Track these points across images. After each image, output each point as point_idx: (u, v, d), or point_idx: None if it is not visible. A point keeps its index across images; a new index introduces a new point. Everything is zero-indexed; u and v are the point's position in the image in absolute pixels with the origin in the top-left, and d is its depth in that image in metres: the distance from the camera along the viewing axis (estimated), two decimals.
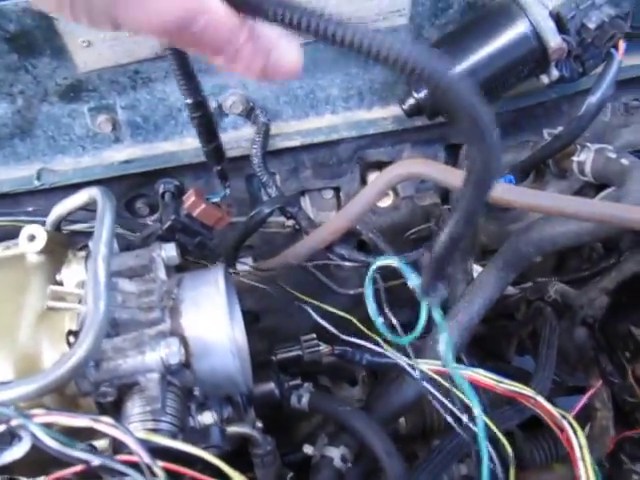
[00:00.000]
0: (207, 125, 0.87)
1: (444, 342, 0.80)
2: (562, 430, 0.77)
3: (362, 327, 0.98)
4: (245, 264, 1.02)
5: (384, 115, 1.02)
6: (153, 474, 0.52)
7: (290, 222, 1.07)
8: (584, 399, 1.00)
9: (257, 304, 1.14)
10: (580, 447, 0.74)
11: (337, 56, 0.96)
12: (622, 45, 0.90)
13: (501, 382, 0.88)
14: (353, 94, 1.01)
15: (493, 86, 0.90)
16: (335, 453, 0.91)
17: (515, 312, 1.27)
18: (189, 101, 0.83)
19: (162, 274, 0.74)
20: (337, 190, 1.14)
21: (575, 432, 0.75)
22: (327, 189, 1.13)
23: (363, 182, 1.16)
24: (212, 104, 0.95)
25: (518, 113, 1.09)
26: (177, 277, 0.75)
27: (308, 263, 1.20)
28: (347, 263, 1.26)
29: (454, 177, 0.86)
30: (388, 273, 0.81)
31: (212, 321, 0.70)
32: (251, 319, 1.12)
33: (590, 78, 0.97)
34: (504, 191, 0.82)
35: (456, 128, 1.08)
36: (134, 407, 0.63)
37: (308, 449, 0.94)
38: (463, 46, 0.89)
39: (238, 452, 0.81)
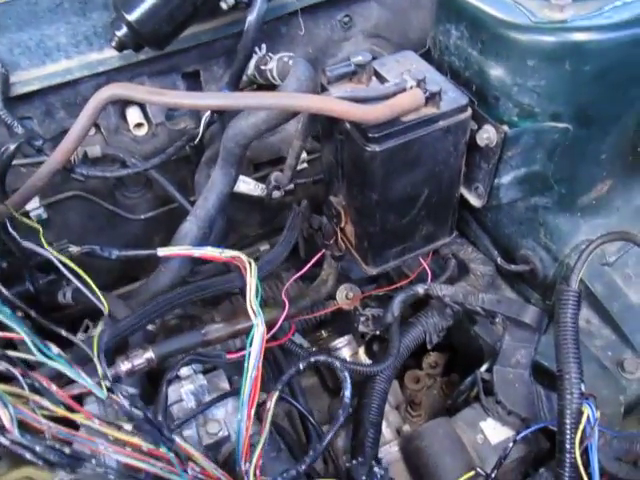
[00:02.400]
0: None
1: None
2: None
3: None
4: None
5: (113, 54, 1.20)
6: None
7: None
8: (311, 262, 1.23)
9: None
10: (250, 276, 0.96)
11: (53, 7, 1.14)
12: None
13: (222, 252, 1.10)
14: (81, 39, 1.19)
15: (178, 19, 1.10)
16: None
17: None
18: None
19: None
20: (99, 127, 1.32)
21: (250, 268, 0.97)
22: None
23: (122, 116, 1.34)
24: None
25: (236, 39, 1.28)
26: None
27: (92, 196, 1.39)
28: (134, 195, 1.46)
29: (154, 96, 1.04)
30: None
31: None
32: None
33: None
34: (185, 97, 1.01)
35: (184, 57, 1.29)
36: None
37: (81, 336, 1.14)
38: None
39: None
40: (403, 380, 1.41)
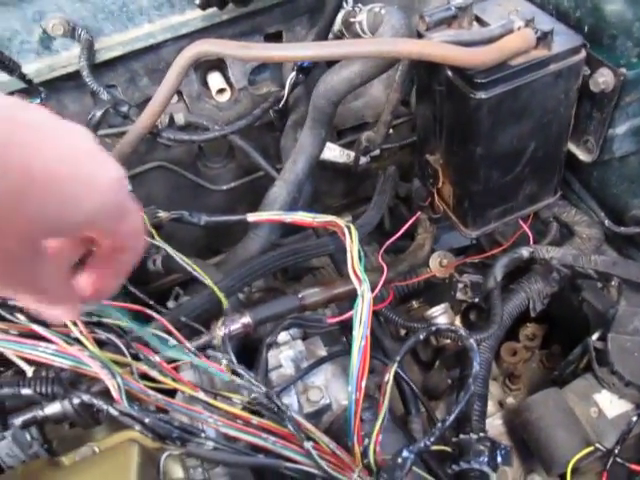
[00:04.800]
0: None
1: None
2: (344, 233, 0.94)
3: None
4: None
5: (195, 15, 1.17)
6: None
7: None
8: (406, 226, 1.16)
9: None
10: (351, 241, 0.91)
11: None
12: None
13: (316, 217, 1.05)
14: (163, 2, 1.15)
15: None
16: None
17: None
18: None
19: None
20: (181, 94, 1.29)
21: (350, 231, 0.92)
22: None
23: (204, 83, 1.31)
24: (37, 30, 1.10)
25: None
26: None
27: (176, 167, 1.37)
28: (216, 165, 1.43)
29: (242, 50, 0.99)
30: None
31: None
32: None
33: None
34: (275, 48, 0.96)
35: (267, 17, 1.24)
36: None
37: (171, 304, 1.11)
38: None
39: None
40: (498, 353, 1.34)
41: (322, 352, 0.97)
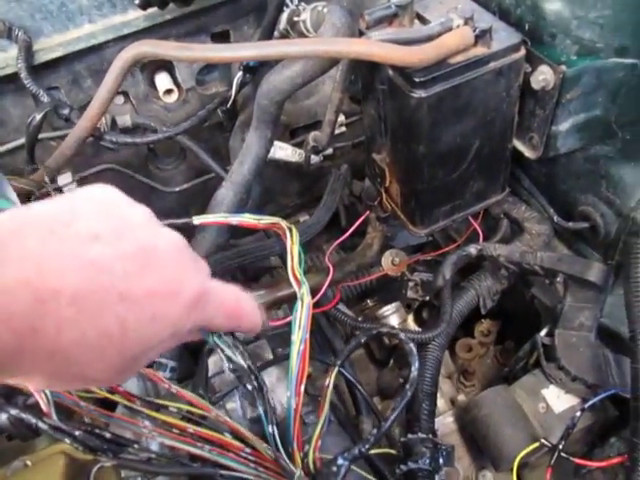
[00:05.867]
0: None
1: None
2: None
3: None
4: None
5: (137, 15, 1.14)
6: None
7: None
8: (357, 222, 1.16)
9: None
10: (292, 243, 0.89)
11: None
12: None
13: (261, 219, 1.03)
14: (103, 1, 1.13)
15: None
16: None
17: None
18: None
19: None
20: (128, 95, 1.27)
21: (291, 233, 0.91)
22: (118, 95, 1.26)
23: (151, 84, 1.29)
24: None
25: None
26: None
27: (126, 170, 1.34)
28: (167, 166, 1.41)
29: (180, 52, 0.98)
30: None
31: None
32: None
33: None
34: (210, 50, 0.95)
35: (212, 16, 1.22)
36: None
37: None
38: None
39: None
40: (454, 349, 1.34)
41: (268, 355, 0.96)
